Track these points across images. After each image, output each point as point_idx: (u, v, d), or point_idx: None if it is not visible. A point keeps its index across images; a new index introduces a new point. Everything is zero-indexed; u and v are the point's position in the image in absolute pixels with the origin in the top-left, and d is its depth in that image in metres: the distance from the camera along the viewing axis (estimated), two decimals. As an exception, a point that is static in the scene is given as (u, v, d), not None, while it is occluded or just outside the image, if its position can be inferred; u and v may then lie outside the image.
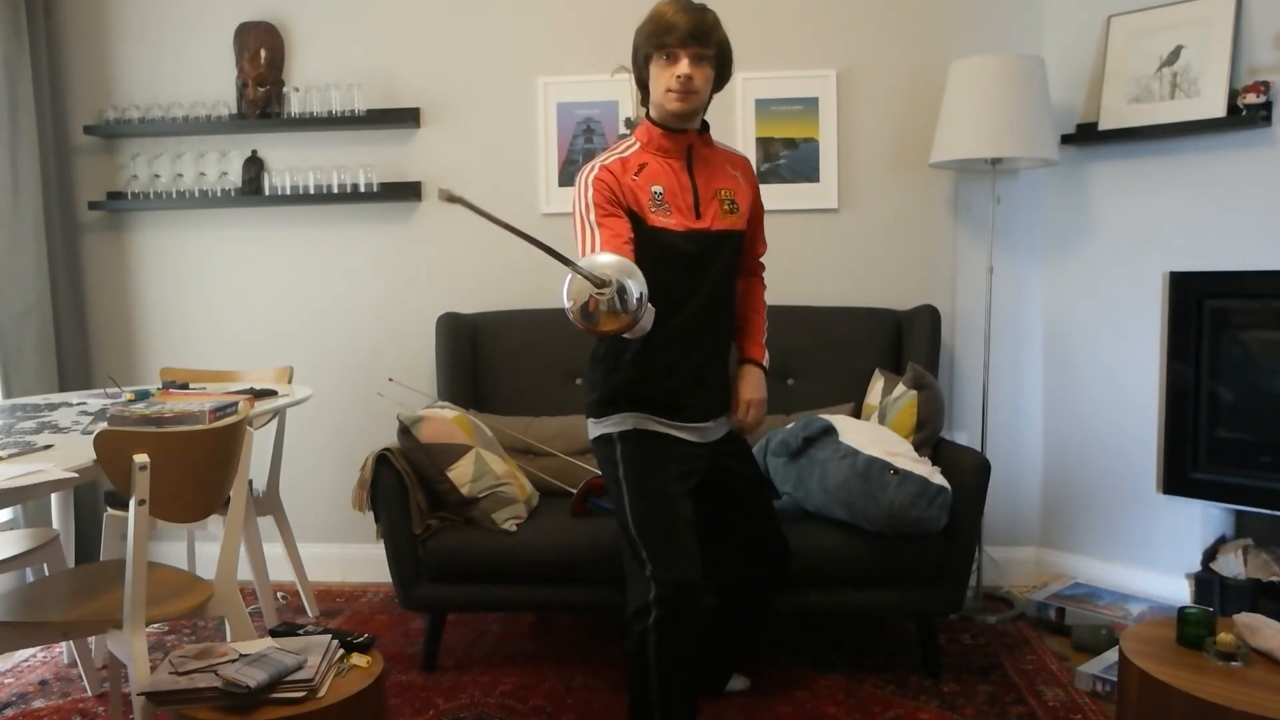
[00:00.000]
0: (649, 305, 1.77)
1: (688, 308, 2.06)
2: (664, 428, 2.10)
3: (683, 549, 2.05)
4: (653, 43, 2.00)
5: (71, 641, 2.74)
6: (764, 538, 2.32)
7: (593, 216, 1.99)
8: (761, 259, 2.34)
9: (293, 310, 3.53)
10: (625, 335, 1.85)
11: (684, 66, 1.97)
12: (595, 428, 2.16)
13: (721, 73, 2.07)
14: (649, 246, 1.99)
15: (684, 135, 2.07)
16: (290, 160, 3.47)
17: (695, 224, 2.06)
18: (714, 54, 2.01)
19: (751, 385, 2.20)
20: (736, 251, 2.16)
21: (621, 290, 1.69)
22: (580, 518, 2.66)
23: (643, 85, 2.09)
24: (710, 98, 2.09)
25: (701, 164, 2.11)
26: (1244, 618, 1.98)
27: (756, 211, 2.24)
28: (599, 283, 1.68)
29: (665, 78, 2.00)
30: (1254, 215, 2.83)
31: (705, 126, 2.13)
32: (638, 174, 2.04)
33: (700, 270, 2.08)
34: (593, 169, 2.05)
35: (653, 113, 2.09)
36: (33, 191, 3.28)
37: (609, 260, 1.74)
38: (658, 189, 2.04)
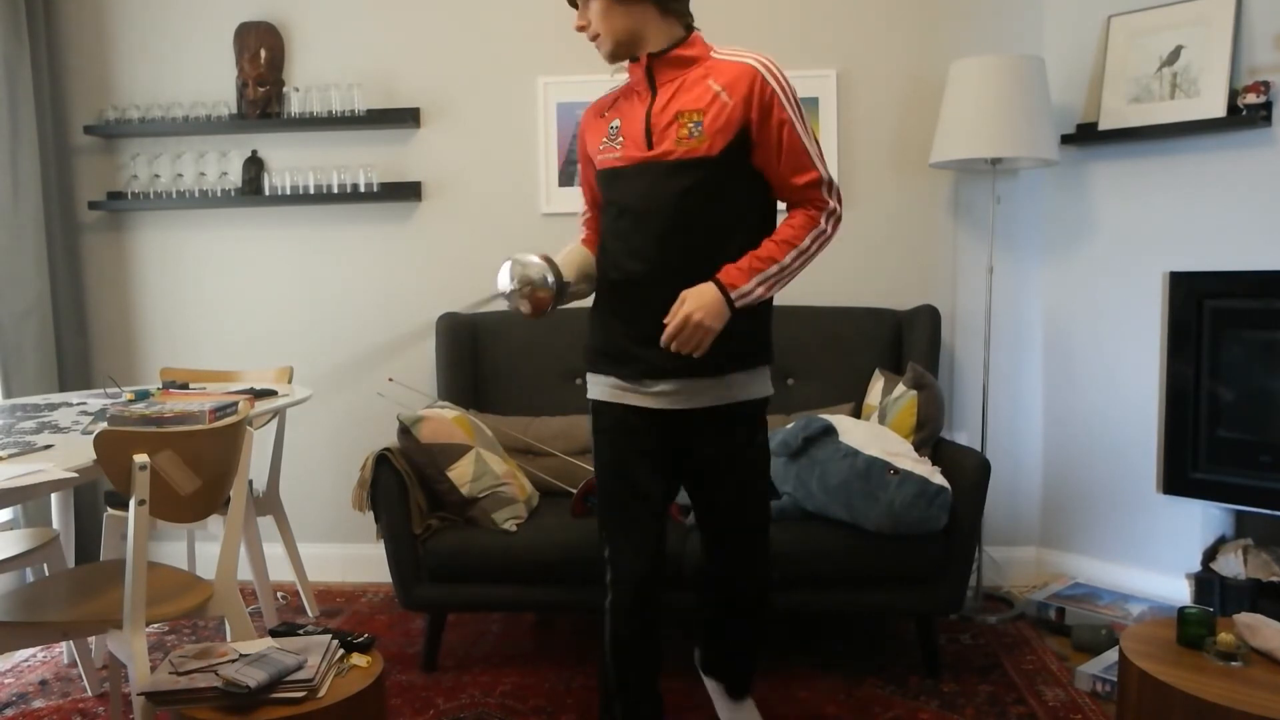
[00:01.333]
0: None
1: (640, 249, 1.86)
2: (622, 392, 1.94)
3: (633, 539, 1.94)
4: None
5: (71, 641, 2.74)
6: (730, 555, 2.08)
7: (579, 166, 2.13)
8: (813, 188, 1.88)
9: (293, 310, 3.53)
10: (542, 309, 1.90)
11: (577, 17, 1.93)
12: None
13: None
14: (600, 187, 1.98)
15: (638, 63, 1.91)
16: (290, 160, 3.47)
17: (644, 154, 1.86)
18: None
19: (694, 298, 1.79)
20: (704, 180, 1.84)
21: (541, 278, 1.87)
22: (580, 518, 2.66)
23: None
24: (664, 13, 1.86)
25: (666, 85, 1.88)
26: (1244, 618, 1.98)
27: (762, 134, 1.85)
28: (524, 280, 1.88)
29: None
30: (1254, 215, 2.83)
31: (680, 41, 1.89)
32: (610, 108, 1.99)
33: (647, 204, 1.86)
34: (587, 110, 2.09)
35: None
36: (33, 191, 3.28)
37: (533, 259, 1.89)
38: (615, 123, 1.94)
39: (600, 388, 2.00)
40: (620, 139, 1.91)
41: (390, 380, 3.39)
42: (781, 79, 1.87)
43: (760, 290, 1.83)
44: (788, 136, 1.86)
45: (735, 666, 2.25)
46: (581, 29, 1.90)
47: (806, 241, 1.86)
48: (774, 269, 1.84)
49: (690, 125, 1.83)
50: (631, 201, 1.89)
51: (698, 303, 1.79)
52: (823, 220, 1.88)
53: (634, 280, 1.90)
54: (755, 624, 2.19)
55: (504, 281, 1.90)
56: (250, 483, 2.77)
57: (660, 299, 1.84)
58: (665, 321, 1.81)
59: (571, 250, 2.05)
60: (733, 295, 1.81)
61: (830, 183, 1.90)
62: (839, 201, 1.91)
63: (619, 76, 2.02)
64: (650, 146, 1.86)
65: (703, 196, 1.85)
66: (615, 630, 2.00)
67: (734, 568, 2.10)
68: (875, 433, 2.63)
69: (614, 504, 1.98)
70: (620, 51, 1.90)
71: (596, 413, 2.02)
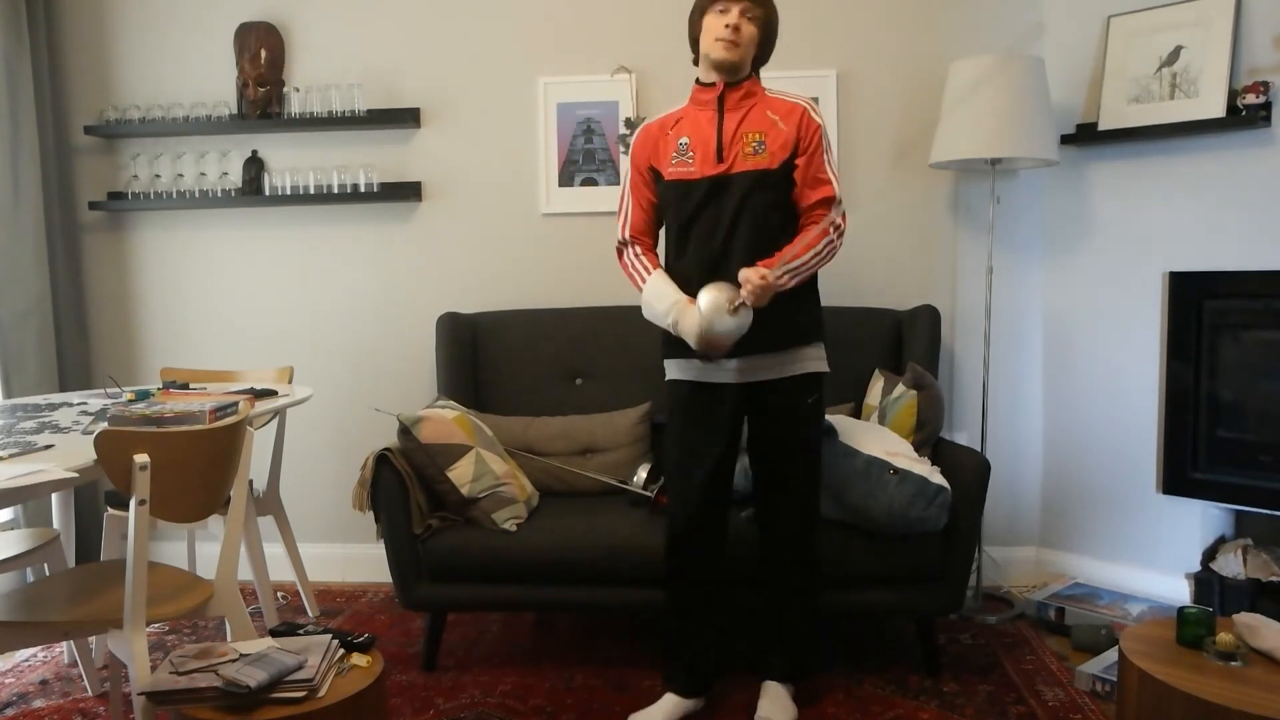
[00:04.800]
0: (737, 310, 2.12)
1: (710, 245, 2.24)
2: (696, 374, 2.31)
3: (683, 505, 2.35)
4: None
5: (72, 641, 2.74)
6: (781, 503, 2.37)
7: (630, 176, 2.38)
8: (822, 208, 2.25)
9: (293, 310, 3.53)
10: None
11: (734, 16, 2.20)
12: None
13: (766, 38, 2.27)
14: (669, 195, 2.30)
15: (713, 87, 2.27)
16: (290, 160, 3.47)
17: (715, 169, 2.23)
18: (762, 16, 2.23)
19: (750, 270, 2.15)
20: (769, 192, 2.24)
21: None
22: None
23: (694, 43, 2.32)
24: (752, 63, 2.28)
25: (734, 110, 2.27)
26: (1244, 618, 1.99)
27: (802, 155, 2.24)
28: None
29: (716, 27, 2.21)
30: (1254, 215, 2.83)
31: (747, 78, 2.28)
32: (673, 127, 2.31)
33: (719, 209, 2.23)
34: (639, 128, 2.39)
35: (700, 73, 2.31)
36: (33, 191, 3.28)
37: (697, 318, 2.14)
38: (684, 140, 2.28)
39: (683, 369, 2.34)
40: (691, 155, 2.26)
41: (377, 410, 3.42)
42: (820, 118, 2.29)
43: (785, 279, 2.19)
44: (814, 162, 2.26)
45: (791, 647, 2.45)
46: (735, 29, 2.20)
47: (820, 246, 2.24)
48: (796, 264, 2.20)
49: (754, 145, 2.24)
50: (702, 204, 2.25)
51: (752, 273, 2.14)
52: (831, 232, 2.25)
53: (707, 268, 2.24)
54: (809, 592, 2.45)
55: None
56: (250, 483, 2.77)
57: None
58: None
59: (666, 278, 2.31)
60: (769, 278, 2.16)
61: (839, 201, 2.27)
62: (843, 218, 2.28)
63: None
64: (720, 160, 2.24)
65: (766, 203, 2.24)
66: (668, 573, 2.40)
67: (793, 510, 2.37)
68: (875, 433, 2.63)
69: (677, 476, 2.37)
70: (736, 66, 2.24)
71: (674, 392, 2.38)
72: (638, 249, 2.37)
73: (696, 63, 2.32)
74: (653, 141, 2.32)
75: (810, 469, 2.38)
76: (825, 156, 2.27)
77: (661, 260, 2.38)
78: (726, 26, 2.18)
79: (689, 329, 2.15)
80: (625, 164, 2.39)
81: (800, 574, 2.41)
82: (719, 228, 2.23)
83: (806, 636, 2.45)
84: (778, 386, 2.29)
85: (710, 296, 2.10)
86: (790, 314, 2.25)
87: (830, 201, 2.26)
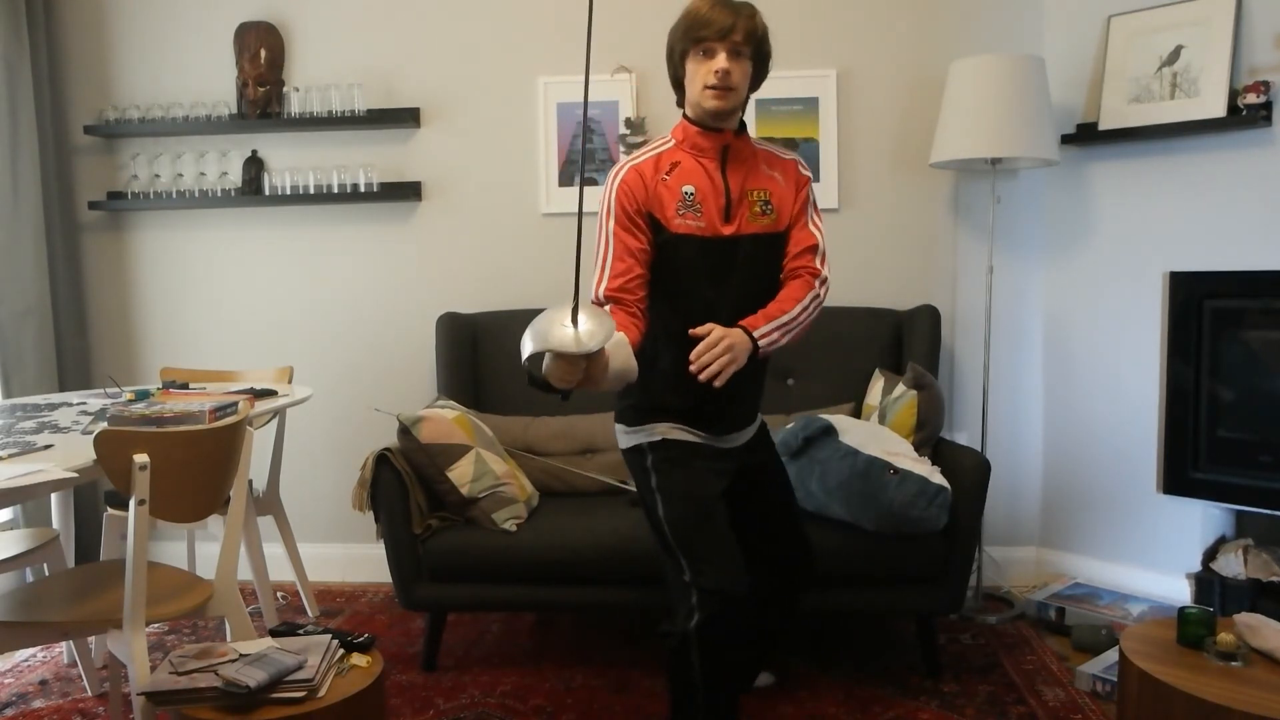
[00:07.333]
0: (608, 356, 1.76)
1: (718, 315, 1.95)
2: (695, 437, 2.08)
3: (722, 552, 2.00)
4: (689, 38, 1.94)
5: (71, 641, 2.74)
6: (789, 545, 2.26)
7: (610, 225, 1.99)
8: (809, 264, 2.08)
9: (293, 310, 3.53)
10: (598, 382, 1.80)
11: (721, 61, 1.91)
12: (626, 438, 2.11)
13: (759, 69, 2.01)
14: (671, 252, 1.99)
15: (720, 134, 2.01)
16: (290, 160, 3.47)
17: (723, 228, 1.99)
18: (751, 49, 1.95)
19: (728, 333, 1.90)
20: (773, 255, 2.06)
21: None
22: None
23: (678, 84, 2.04)
24: (748, 96, 2.02)
25: (736, 164, 2.03)
26: (1244, 618, 1.99)
27: (797, 215, 2.09)
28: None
29: (702, 74, 1.94)
30: (1254, 215, 2.83)
31: (743, 126, 2.05)
32: (669, 173, 2.00)
33: (726, 275, 2.01)
34: (622, 169, 2.01)
35: (689, 112, 2.03)
36: (33, 191, 3.28)
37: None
38: (689, 189, 1.99)
39: (676, 431, 2.07)
40: (698, 207, 1.99)
41: (377, 410, 3.42)
42: (808, 171, 2.15)
43: (775, 335, 1.99)
44: (803, 221, 2.11)
45: (770, 653, 2.51)
46: (725, 74, 1.92)
47: (806, 300, 2.05)
48: (784, 318, 2.01)
49: (760, 205, 2.04)
50: (708, 268, 2.00)
51: (734, 337, 1.91)
52: (816, 285, 2.08)
53: None
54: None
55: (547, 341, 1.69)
56: (250, 483, 2.77)
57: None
58: (693, 357, 1.87)
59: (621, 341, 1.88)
60: (755, 334, 1.97)
61: (824, 251, 2.11)
62: (827, 268, 2.11)
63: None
64: (727, 220, 2.01)
65: (774, 264, 2.08)
66: (707, 653, 1.95)
67: (804, 547, 2.29)
68: (875, 433, 2.63)
69: (700, 523, 2.02)
70: (732, 111, 1.99)
71: (669, 447, 2.06)
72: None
73: (681, 104, 2.05)
74: (647, 185, 1.98)
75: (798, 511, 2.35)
76: (811, 209, 2.11)
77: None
78: (715, 73, 1.91)
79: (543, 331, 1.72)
80: (608, 200, 1.99)
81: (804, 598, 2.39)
82: (723, 299, 2.00)
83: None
84: (755, 445, 2.21)
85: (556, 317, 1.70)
86: (761, 386, 2.18)
87: (815, 249, 2.08)
